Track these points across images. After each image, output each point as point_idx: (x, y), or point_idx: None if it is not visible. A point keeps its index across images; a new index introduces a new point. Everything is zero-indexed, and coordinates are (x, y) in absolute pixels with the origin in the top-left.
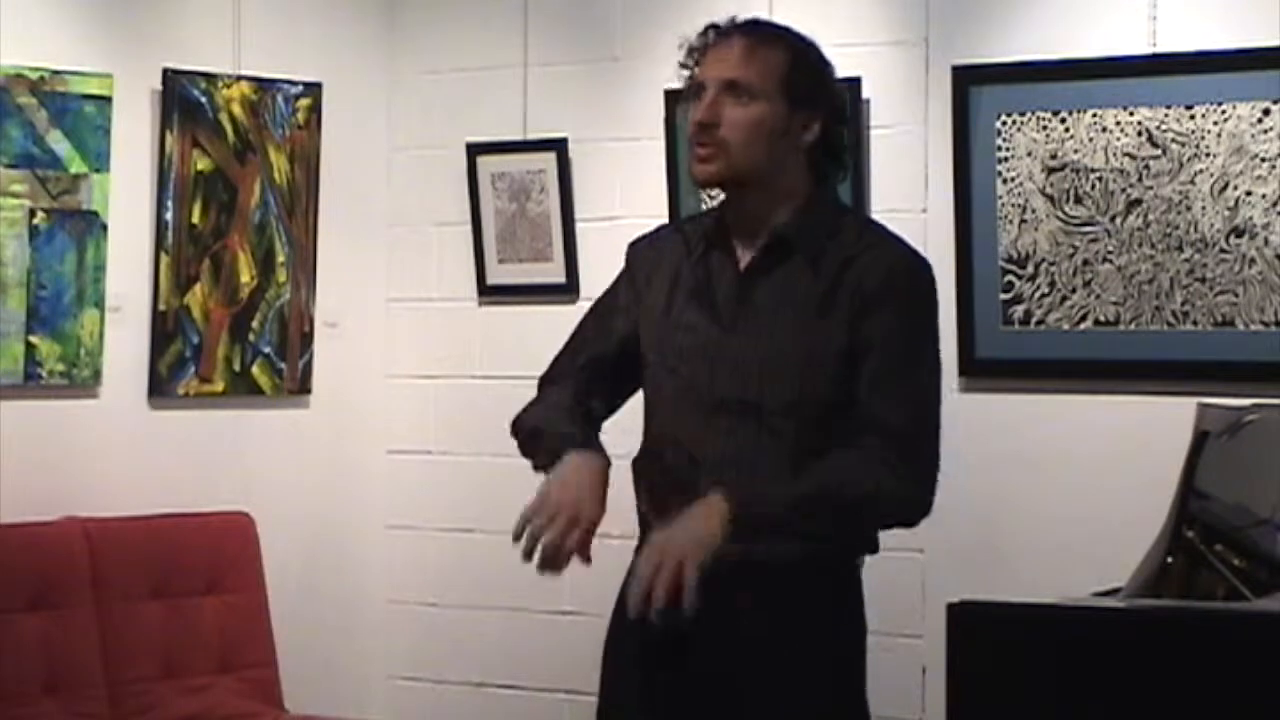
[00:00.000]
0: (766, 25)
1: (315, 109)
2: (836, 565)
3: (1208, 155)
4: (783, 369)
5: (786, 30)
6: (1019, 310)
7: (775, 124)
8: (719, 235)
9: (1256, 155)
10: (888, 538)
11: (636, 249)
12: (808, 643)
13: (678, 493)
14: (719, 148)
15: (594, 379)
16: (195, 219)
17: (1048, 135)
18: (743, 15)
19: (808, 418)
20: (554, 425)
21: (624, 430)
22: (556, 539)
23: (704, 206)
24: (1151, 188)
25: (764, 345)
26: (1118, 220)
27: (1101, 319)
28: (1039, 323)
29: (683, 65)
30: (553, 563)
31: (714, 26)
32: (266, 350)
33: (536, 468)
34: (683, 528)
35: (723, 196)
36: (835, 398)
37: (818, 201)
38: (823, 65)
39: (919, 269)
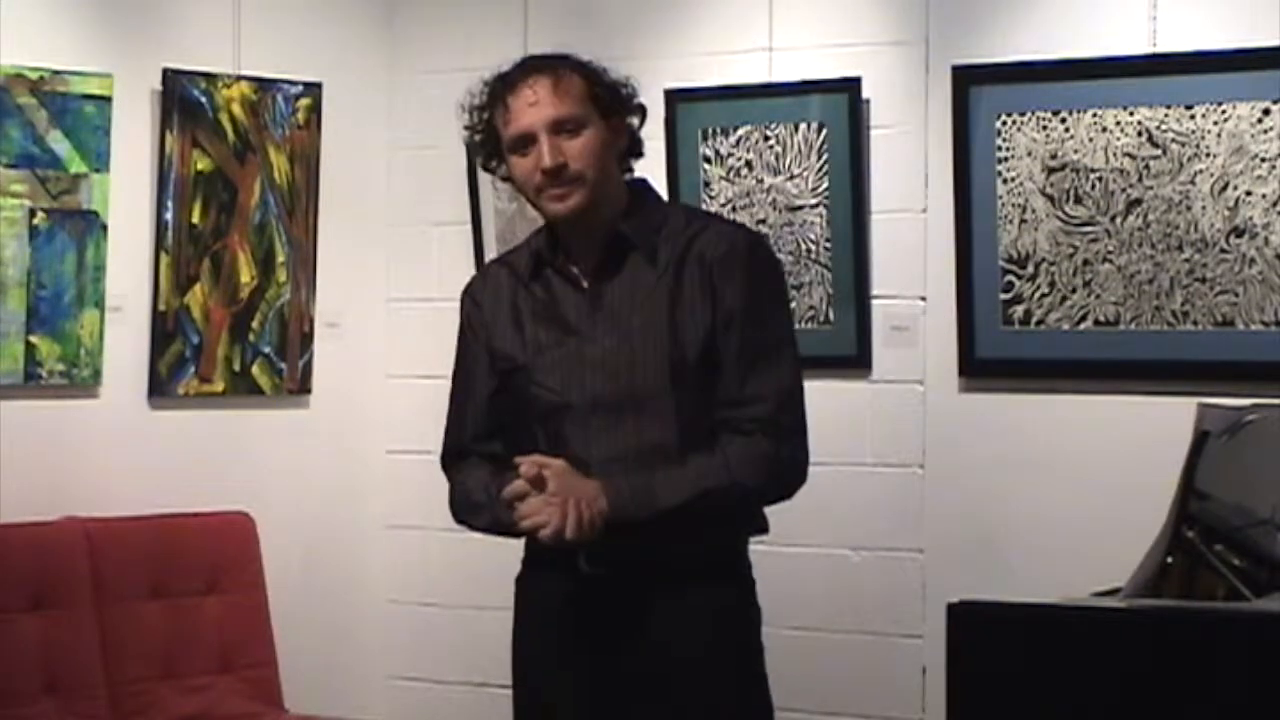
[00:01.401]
0: (546, 59)
1: (315, 109)
2: (723, 547)
3: (1208, 155)
4: (649, 359)
5: (564, 56)
6: (1019, 310)
7: (603, 140)
8: (551, 256)
9: (1256, 155)
10: (888, 538)
11: (470, 294)
12: (702, 630)
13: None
14: (574, 183)
15: (488, 438)
16: (195, 219)
17: (1048, 135)
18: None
19: (683, 396)
20: (489, 494)
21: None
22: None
23: (709, 205)
24: (1151, 188)
25: (625, 342)
26: (1118, 220)
27: (1101, 319)
28: (1039, 323)
29: (471, 129)
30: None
31: (500, 79)
32: (266, 350)
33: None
34: (582, 484)
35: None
36: (706, 370)
37: (640, 198)
38: (604, 72)
39: (757, 239)
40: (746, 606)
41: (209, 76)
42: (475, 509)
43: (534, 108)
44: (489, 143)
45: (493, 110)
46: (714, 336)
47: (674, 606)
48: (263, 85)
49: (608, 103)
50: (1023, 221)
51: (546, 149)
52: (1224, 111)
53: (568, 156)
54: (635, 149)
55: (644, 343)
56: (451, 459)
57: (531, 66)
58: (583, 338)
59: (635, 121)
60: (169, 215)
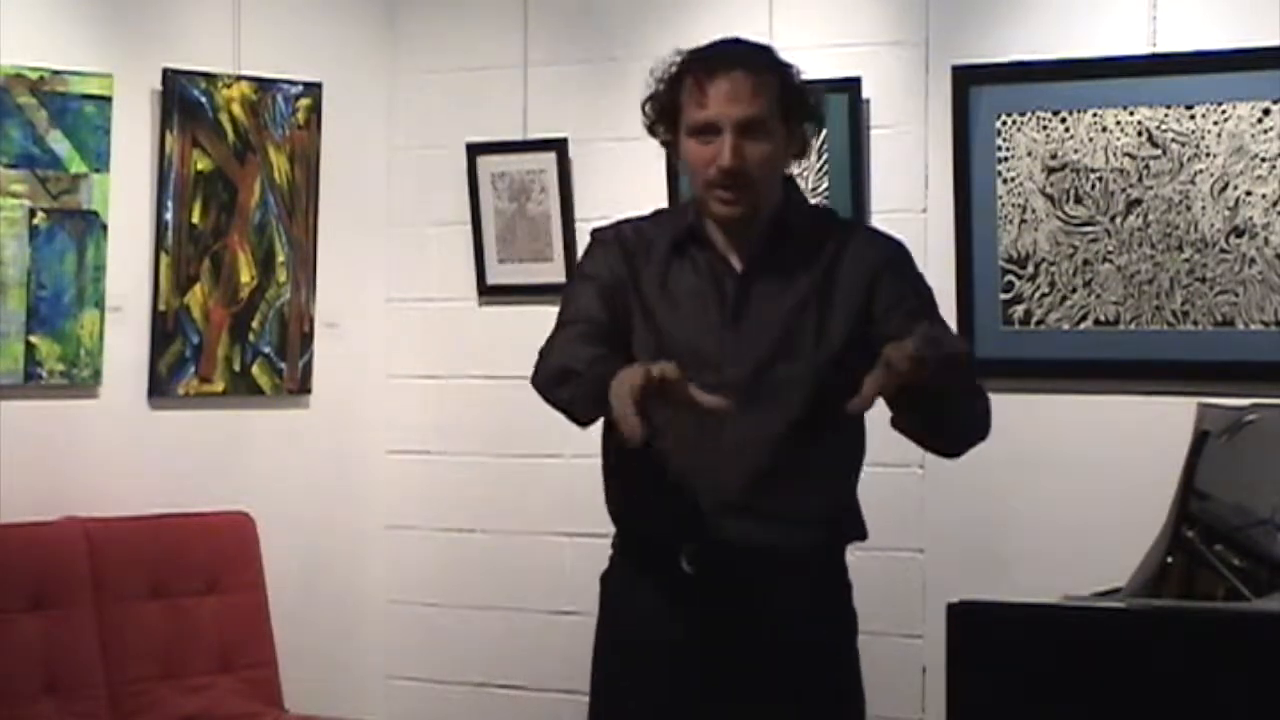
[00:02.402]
0: (748, 51)
1: (315, 109)
2: (823, 546)
3: (1208, 155)
4: (791, 352)
5: (765, 49)
6: (1019, 310)
7: (782, 147)
8: (702, 234)
9: (1256, 155)
10: (888, 538)
11: (620, 243)
12: (801, 634)
13: (688, 477)
14: (745, 189)
15: (597, 342)
16: (195, 219)
17: (1048, 135)
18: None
19: (815, 396)
20: (590, 364)
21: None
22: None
23: None
24: (1151, 188)
25: (770, 332)
26: (1118, 220)
27: (1101, 319)
28: (1039, 323)
29: (654, 98)
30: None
31: (701, 58)
32: (266, 350)
33: (580, 415)
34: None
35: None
36: (841, 377)
37: (793, 194)
38: (797, 74)
39: (903, 246)
40: (844, 611)
41: (209, 76)
42: (569, 377)
43: (730, 102)
44: (669, 112)
45: (681, 82)
46: (861, 344)
47: (773, 610)
48: (263, 85)
49: (793, 111)
50: (1023, 221)
51: (729, 148)
52: (1224, 111)
53: (748, 160)
54: (804, 151)
55: (791, 336)
56: (568, 337)
57: (733, 58)
58: (727, 321)
59: (813, 125)
60: (169, 215)
